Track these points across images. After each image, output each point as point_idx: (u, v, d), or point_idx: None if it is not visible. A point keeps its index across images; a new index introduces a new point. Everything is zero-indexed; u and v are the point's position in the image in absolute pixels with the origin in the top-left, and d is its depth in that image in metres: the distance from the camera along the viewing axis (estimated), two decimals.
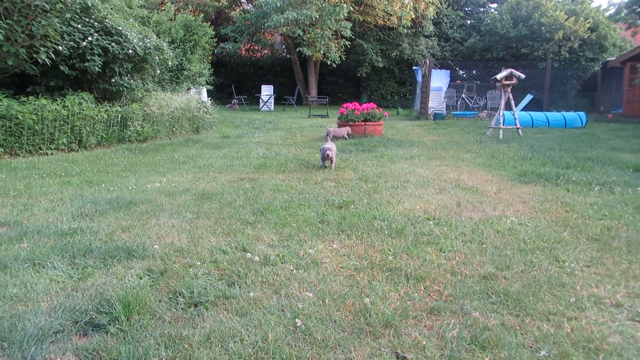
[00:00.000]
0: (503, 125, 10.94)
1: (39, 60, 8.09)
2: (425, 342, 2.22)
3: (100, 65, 9.18)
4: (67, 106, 8.34)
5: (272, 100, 22.13)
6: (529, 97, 19.03)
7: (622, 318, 2.50)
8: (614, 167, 6.81)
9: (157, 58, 10.67)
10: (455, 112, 18.43)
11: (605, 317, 2.50)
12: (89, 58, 9.04)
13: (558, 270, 3.10)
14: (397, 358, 2.12)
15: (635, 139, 10.59)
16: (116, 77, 9.84)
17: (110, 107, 9.28)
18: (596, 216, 4.33)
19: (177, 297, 2.69)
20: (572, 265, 3.19)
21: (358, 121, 10.65)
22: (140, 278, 2.96)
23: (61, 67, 8.84)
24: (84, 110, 8.59)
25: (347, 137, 10.19)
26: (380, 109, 11.12)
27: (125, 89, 10.08)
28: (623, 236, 3.74)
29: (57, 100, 8.44)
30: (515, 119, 11.40)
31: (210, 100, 14.45)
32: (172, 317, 2.48)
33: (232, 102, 22.72)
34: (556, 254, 3.38)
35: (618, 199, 4.98)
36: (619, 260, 3.27)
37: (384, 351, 2.16)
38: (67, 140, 8.38)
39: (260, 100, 22.04)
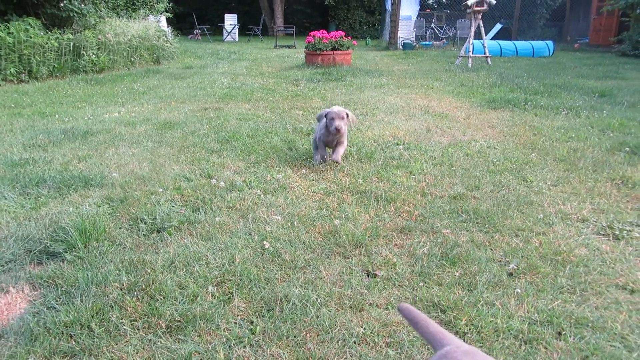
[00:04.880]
0: (472, 54, 10.78)
1: None
2: (395, 260, 2.19)
3: None
4: (12, 33, 7.67)
5: (236, 30, 21.14)
6: (498, 27, 18.73)
7: (588, 232, 2.53)
8: (580, 93, 6.82)
9: None
10: (424, 42, 18.07)
11: (572, 232, 2.52)
12: None
13: (526, 189, 3.11)
14: (368, 275, 2.08)
15: (601, 66, 10.64)
16: (65, 1, 9.05)
17: (60, 34, 8.61)
18: (563, 138, 4.34)
19: (139, 223, 2.57)
20: (540, 184, 3.20)
21: (326, 50, 10.27)
22: (99, 206, 2.80)
23: None
24: (31, 37, 7.94)
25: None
26: (349, 37, 10.73)
27: (76, 14, 9.31)
28: (589, 156, 3.77)
29: None
30: (484, 47, 11.23)
31: (170, 29, 13.61)
32: (134, 243, 2.37)
33: (194, 32, 21.61)
34: (524, 175, 3.38)
35: (584, 122, 5.00)
36: (584, 179, 3.29)
37: (355, 269, 2.12)
38: (16, 71, 7.79)
39: (224, 31, 21.03)
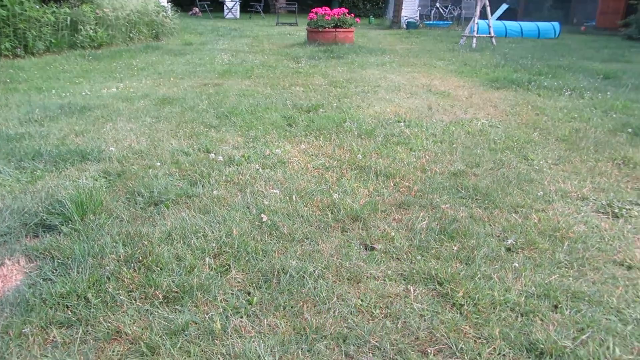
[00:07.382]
0: (477, 33, 10.64)
1: None
2: (394, 234, 2.18)
3: None
4: (6, 5, 7.54)
5: (237, 7, 20.83)
6: (504, 7, 18.43)
7: (588, 210, 2.52)
8: (584, 75, 6.74)
9: None
10: (428, 22, 17.82)
11: (571, 209, 2.51)
12: None
13: (527, 167, 3.09)
14: (366, 249, 2.08)
15: (607, 49, 10.50)
16: None
17: (57, 8, 8.47)
18: (565, 119, 4.30)
19: (136, 197, 2.55)
20: (541, 163, 3.18)
21: (328, 27, 10.14)
22: (96, 180, 2.78)
23: None
24: (26, 10, 7.80)
25: None
26: (352, 15, 10.57)
27: None
28: (591, 137, 3.74)
29: None
30: (489, 27, 11.07)
31: (170, 5, 13.40)
32: (131, 216, 2.36)
33: (194, 9, 21.31)
34: (525, 153, 3.36)
35: (587, 102, 4.95)
36: (586, 159, 3.27)
37: (353, 243, 2.11)
38: (11, 45, 7.67)
39: (225, 7, 20.72)
